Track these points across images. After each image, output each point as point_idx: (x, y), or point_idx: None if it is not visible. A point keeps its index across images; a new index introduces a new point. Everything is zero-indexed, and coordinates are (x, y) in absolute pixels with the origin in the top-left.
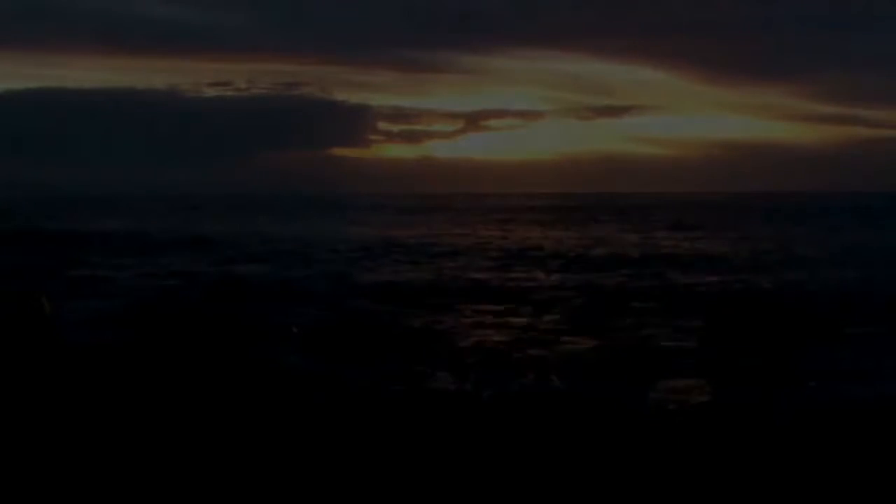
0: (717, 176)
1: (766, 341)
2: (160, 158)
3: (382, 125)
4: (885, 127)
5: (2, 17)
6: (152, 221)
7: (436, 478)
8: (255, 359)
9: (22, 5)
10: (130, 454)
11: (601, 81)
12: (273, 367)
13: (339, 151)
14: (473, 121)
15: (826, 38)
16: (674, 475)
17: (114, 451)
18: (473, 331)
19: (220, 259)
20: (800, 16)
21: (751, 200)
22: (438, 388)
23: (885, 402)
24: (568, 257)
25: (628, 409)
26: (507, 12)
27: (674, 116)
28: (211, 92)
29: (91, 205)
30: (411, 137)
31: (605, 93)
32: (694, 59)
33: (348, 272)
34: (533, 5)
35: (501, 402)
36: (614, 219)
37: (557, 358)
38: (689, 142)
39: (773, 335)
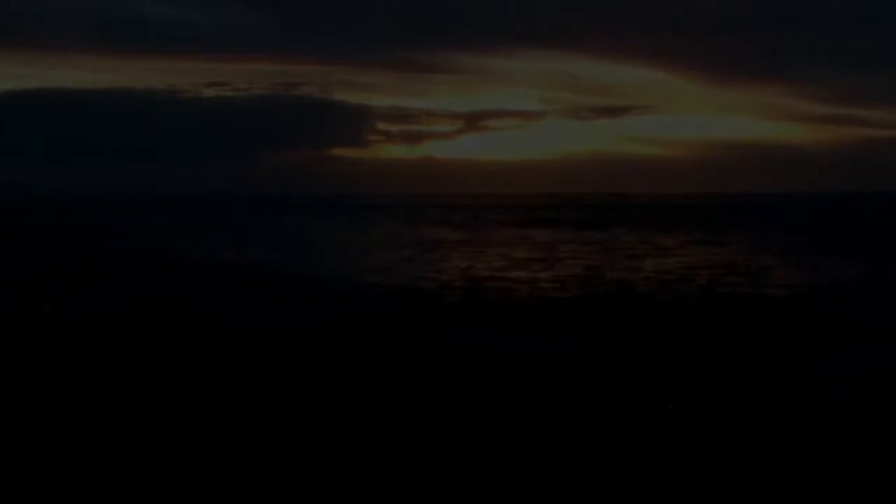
0: (717, 176)
1: (767, 342)
2: (159, 159)
3: (382, 125)
4: (884, 127)
5: (2, 18)
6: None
7: (434, 475)
8: (257, 362)
9: (22, 5)
10: (123, 444)
11: (601, 81)
12: (273, 370)
13: (338, 151)
14: (473, 121)
15: (825, 39)
16: (674, 473)
17: (107, 440)
18: (475, 331)
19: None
20: (799, 16)
21: (750, 200)
22: (436, 388)
23: (883, 401)
24: (569, 257)
25: (630, 410)
26: (507, 12)
27: (674, 116)
28: (210, 92)
29: (90, 205)
30: (411, 137)
31: (605, 93)
32: (694, 59)
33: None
34: (533, 5)
35: (502, 402)
36: (617, 221)
37: (556, 360)
38: (689, 142)
39: (774, 336)
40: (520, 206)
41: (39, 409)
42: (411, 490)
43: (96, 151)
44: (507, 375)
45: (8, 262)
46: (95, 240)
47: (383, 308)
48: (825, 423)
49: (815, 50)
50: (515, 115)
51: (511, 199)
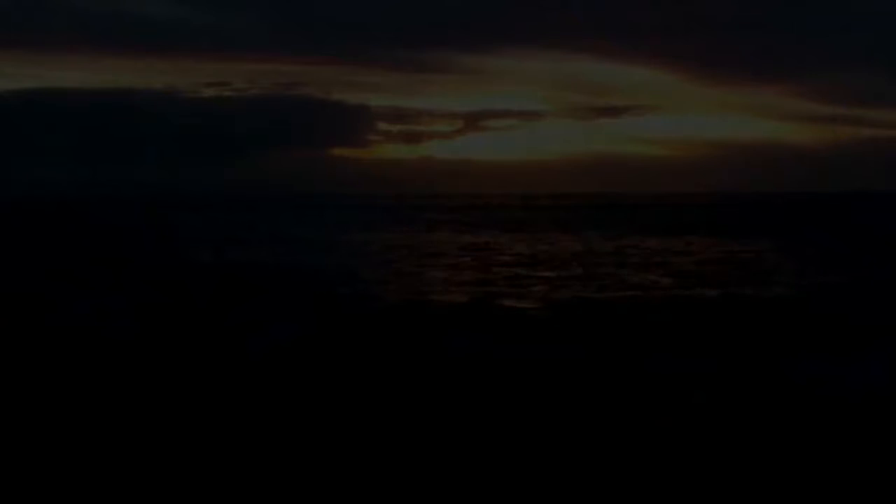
0: (717, 176)
1: (765, 341)
2: (159, 159)
3: (382, 125)
4: (885, 127)
5: (1, 17)
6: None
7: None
8: (255, 369)
9: (22, 5)
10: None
11: (601, 81)
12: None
13: (338, 152)
14: (473, 121)
15: (825, 39)
16: (672, 471)
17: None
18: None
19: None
20: (799, 16)
21: (750, 200)
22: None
23: (878, 403)
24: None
25: (629, 409)
26: (507, 12)
27: (674, 116)
28: (210, 92)
29: (89, 204)
30: (411, 137)
31: (605, 93)
32: (694, 59)
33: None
34: (533, 5)
35: (502, 405)
36: (616, 221)
37: (554, 361)
38: (689, 142)
39: (772, 335)
40: (519, 206)
41: (39, 411)
42: (414, 492)
43: (96, 151)
44: (506, 380)
45: (8, 263)
46: (95, 240)
47: (382, 309)
48: (824, 423)
49: (815, 50)
50: (515, 115)
51: (511, 200)
